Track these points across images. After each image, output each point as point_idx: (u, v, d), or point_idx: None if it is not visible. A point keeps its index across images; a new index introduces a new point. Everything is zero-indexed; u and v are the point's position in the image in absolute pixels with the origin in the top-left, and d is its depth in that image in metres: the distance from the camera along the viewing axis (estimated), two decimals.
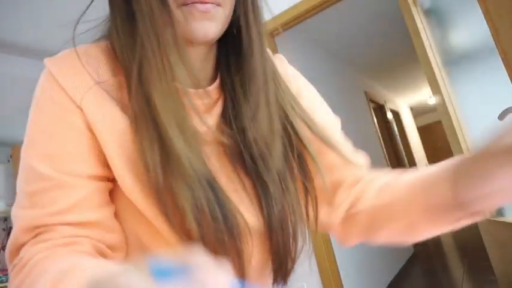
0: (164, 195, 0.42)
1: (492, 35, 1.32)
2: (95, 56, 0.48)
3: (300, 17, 2.33)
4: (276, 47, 2.52)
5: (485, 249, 1.70)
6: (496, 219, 1.57)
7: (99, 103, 0.45)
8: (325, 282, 2.24)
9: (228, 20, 0.51)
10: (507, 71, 1.30)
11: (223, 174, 0.50)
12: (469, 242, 4.31)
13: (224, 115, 0.52)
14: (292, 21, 2.37)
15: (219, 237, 0.43)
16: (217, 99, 0.53)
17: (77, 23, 0.47)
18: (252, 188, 0.51)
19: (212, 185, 0.45)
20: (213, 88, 0.52)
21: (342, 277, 2.34)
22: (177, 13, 0.45)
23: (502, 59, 1.31)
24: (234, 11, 0.53)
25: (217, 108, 0.53)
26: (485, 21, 1.34)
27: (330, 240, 2.35)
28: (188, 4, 0.45)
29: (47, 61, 0.47)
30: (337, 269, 2.31)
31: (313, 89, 0.70)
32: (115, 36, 0.47)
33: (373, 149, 4.24)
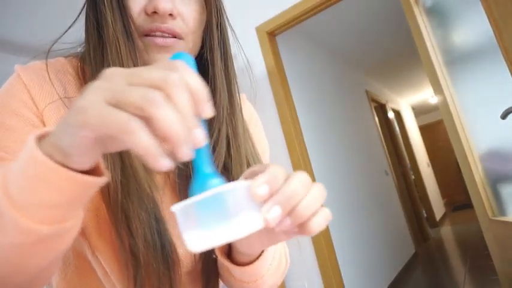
0: (120, 216, 0.44)
1: (494, 34, 1.32)
2: (64, 70, 0.51)
3: (301, 16, 2.32)
4: (277, 46, 2.52)
5: (487, 248, 1.69)
6: (498, 218, 1.56)
7: (60, 116, 0.47)
8: (326, 281, 2.24)
9: (193, 54, 0.53)
10: (509, 70, 1.30)
11: (169, 205, 0.52)
12: (471, 241, 4.31)
13: None
14: (293, 21, 2.37)
15: (155, 264, 0.45)
16: None
17: (54, 43, 0.50)
18: None
19: (156, 214, 0.47)
20: None
21: (343, 276, 2.34)
22: (139, 43, 0.48)
23: (504, 58, 1.30)
24: (204, 45, 0.54)
25: None
26: (487, 20, 1.33)
27: (331, 239, 2.35)
28: (148, 35, 0.48)
29: (18, 67, 0.49)
30: (339, 268, 2.31)
31: (259, 123, 0.71)
32: (87, 60, 0.50)
33: (374, 148, 4.23)
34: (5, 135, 0.44)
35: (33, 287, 0.37)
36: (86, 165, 0.31)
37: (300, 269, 2.32)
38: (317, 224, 0.32)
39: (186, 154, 0.27)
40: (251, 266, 0.45)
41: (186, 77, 0.28)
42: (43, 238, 0.31)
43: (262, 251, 0.46)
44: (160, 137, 0.26)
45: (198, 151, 0.32)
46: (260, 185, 0.30)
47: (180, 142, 0.26)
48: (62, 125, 0.29)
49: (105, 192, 0.45)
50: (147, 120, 0.26)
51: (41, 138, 0.31)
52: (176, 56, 0.33)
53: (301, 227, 0.32)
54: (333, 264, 2.27)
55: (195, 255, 0.53)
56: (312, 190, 0.32)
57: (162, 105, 0.26)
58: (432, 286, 3.33)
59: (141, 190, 0.46)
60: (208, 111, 0.29)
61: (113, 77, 0.28)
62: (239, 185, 0.30)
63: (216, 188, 0.29)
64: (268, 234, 0.38)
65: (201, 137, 0.28)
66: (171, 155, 0.27)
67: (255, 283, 0.48)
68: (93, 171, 0.33)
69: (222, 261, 0.47)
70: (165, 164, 0.26)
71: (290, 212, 0.30)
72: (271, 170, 0.31)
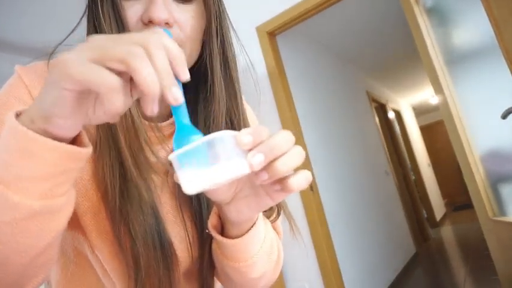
0: (118, 219, 0.45)
1: (495, 34, 1.32)
2: None
3: (301, 16, 2.32)
4: (277, 46, 2.52)
5: (487, 248, 1.69)
6: (498, 218, 1.56)
7: None
8: (326, 282, 2.24)
9: (193, 60, 0.52)
10: (510, 70, 1.29)
11: (167, 205, 0.53)
12: (472, 241, 4.30)
13: None
14: (294, 21, 2.37)
15: (155, 265, 0.46)
16: (171, 134, 0.55)
17: (57, 46, 0.50)
18: (192, 226, 0.54)
19: (155, 214, 0.47)
20: (166, 124, 0.54)
21: (343, 277, 2.34)
22: None
23: (504, 58, 1.30)
24: (204, 51, 0.53)
25: (171, 144, 0.54)
26: (487, 20, 1.33)
27: (332, 239, 2.35)
28: None
29: (18, 68, 0.49)
30: (339, 269, 2.31)
31: (257, 124, 0.72)
32: None
33: (374, 148, 4.23)
34: None
35: (33, 277, 0.37)
36: (69, 131, 0.31)
37: (300, 269, 2.32)
38: (297, 182, 0.34)
39: (152, 110, 0.29)
40: (241, 239, 0.46)
41: (164, 40, 0.30)
42: (33, 214, 0.31)
43: (252, 227, 0.46)
44: (138, 90, 0.29)
45: (176, 108, 0.35)
46: (245, 134, 0.33)
47: (152, 96, 0.28)
48: (44, 86, 0.30)
49: (104, 194, 0.45)
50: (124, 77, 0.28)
51: (20, 115, 0.32)
52: None
53: (282, 184, 0.35)
54: (333, 265, 2.27)
55: (193, 255, 0.53)
56: (292, 150, 0.34)
57: (142, 58, 0.28)
58: (432, 286, 3.33)
59: (140, 194, 0.46)
60: (185, 74, 0.32)
61: (97, 40, 0.29)
62: (227, 133, 0.33)
63: (208, 136, 0.32)
64: (255, 199, 0.40)
65: (179, 93, 0.30)
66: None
67: (245, 263, 0.48)
68: (77, 144, 0.34)
69: (215, 236, 0.47)
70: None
71: (269, 165, 0.33)
72: (255, 126, 0.34)
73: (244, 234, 0.46)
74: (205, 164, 0.32)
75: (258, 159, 0.32)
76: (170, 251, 0.48)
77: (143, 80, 0.27)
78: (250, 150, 0.33)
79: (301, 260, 2.31)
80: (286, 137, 0.34)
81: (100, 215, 0.46)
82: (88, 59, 0.28)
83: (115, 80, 0.27)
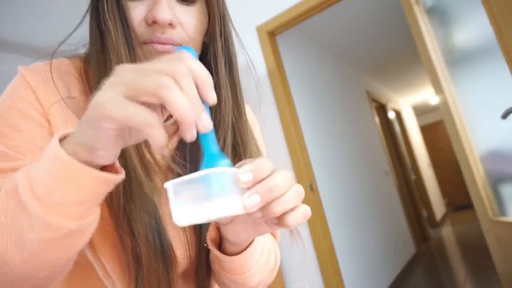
0: (121, 218, 0.45)
1: (495, 34, 1.32)
2: (68, 72, 0.52)
3: (301, 16, 2.32)
4: (277, 46, 2.52)
5: (487, 248, 1.69)
6: (498, 218, 1.56)
7: (63, 117, 0.48)
8: (326, 282, 2.24)
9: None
10: (510, 70, 1.29)
11: (167, 206, 0.53)
12: (472, 241, 4.30)
13: (180, 149, 0.55)
14: (294, 21, 2.37)
15: (155, 264, 0.47)
16: (173, 133, 0.56)
17: (59, 46, 0.51)
18: (191, 228, 0.54)
19: (156, 215, 0.48)
20: (169, 123, 0.55)
21: (343, 276, 2.34)
22: (138, 51, 0.48)
23: (505, 58, 1.30)
24: (208, 53, 0.54)
25: (173, 143, 0.55)
26: (488, 20, 1.33)
27: (332, 239, 2.35)
28: (148, 43, 0.48)
29: (21, 68, 0.49)
30: (339, 269, 2.31)
31: (258, 126, 0.73)
32: (91, 63, 0.50)
33: (374, 148, 4.23)
34: (15, 135, 0.45)
35: (52, 283, 0.39)
36: (110, 159, 0.33)
37: (300, 269, 2.32)
38: (295, 219, 0.34)
39: (192, 136, 0.30)
40: (239, 256, 0.47)
41: (191, 66, 0.30)
42: (68, 233, 0.34)
43: (250, 244, 0.47)
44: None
45: (205, 135, 0.35)
46: (245, 172, 0.32)
47: (189, 124, 0.29)
48: (84, 121, 0.31)
49: (107, 194, 0.46)
50: (158, 107, 0.29)
51: (61, 140, 0.34)
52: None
53: (279, 219, 0.34)
54: (334, 265, 2.27)
55: (190, 255, 0.53)
56: (291, 190, 0.33)
57: (172, 89, 0.28)
58: (433, 286, 3.33)
59: (143, 193, 0.46)
60: (213, 98, 0.32)
61: (125, 72, 0.30)
62: (226, 170, 0.32)
63: (206, 170, 0.31)
64: (253, 225, 0.40)
65: (207, 121, 0.31)
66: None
67: (242, 275, 0.49)
68: (110, 168, 0.35)
69: (213, 250, 0.48)
70: (163, 151, 0.29)
71: (265, 206, 0.33)
72: (258, 161, 0.33)
73: (242, 252, 0.47)
74: (200, 199, 0.31)
75: (253, 201, 0.32)
76: (169, 251, 0.48)
77: (178, 111, 0.28)
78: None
79: (301, 260, 2.31)
80: (287, 177, 0.33)
81: (102, 215, 0.47)
82: (122, 96, 0.29)
83: (154, 118, 0.28)
